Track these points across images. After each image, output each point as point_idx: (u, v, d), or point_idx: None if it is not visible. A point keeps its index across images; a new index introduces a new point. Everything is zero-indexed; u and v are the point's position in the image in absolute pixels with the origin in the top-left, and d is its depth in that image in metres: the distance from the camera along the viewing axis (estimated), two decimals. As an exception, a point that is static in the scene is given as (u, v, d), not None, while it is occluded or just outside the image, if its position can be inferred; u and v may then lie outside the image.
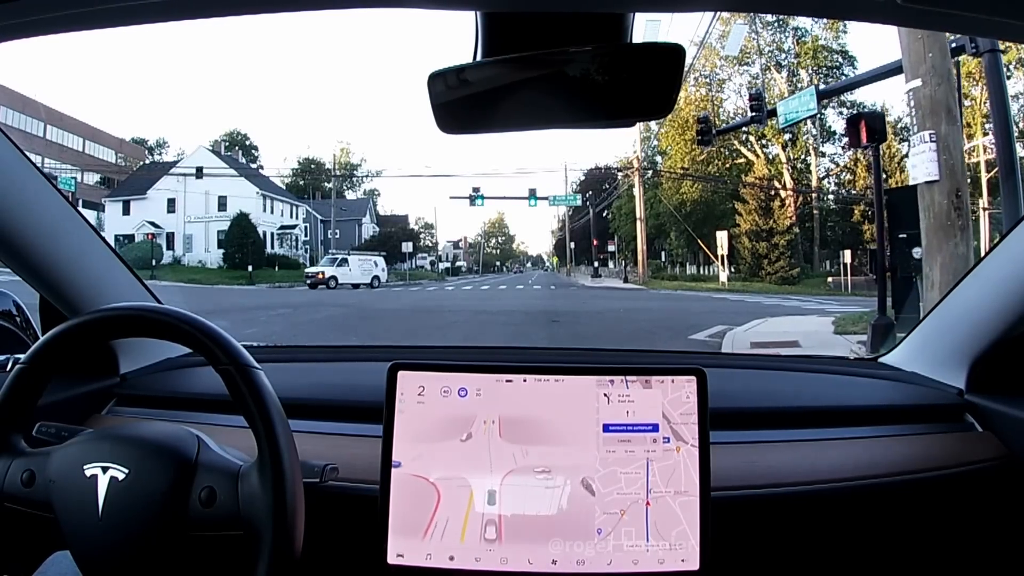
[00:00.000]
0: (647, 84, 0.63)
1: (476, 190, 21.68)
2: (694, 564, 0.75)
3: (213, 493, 0.64)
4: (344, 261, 19.56)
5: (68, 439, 0.71)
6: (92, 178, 26.73)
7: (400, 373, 0.80)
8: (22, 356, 0.71)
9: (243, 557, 0.63)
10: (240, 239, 22.36)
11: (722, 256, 19.24)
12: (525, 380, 0.80)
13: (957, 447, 0.93)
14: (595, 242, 25.36)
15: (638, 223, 21.22)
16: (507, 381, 0.80)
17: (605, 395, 0.79)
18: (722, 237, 18.96)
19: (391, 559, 0.76)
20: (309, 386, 1.07)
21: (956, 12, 0.49)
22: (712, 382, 0.79)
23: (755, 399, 1.03)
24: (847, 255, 17.85)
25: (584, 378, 0.80)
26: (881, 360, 1.17)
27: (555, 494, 0.77)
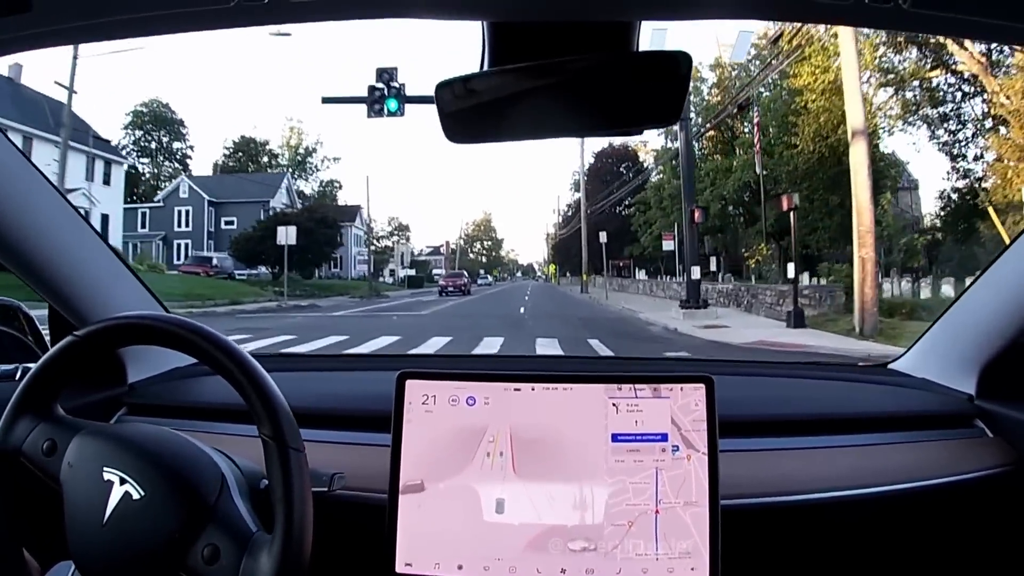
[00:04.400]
0: (654, 92, 0.64)
1: (387, 76, 9.40)
2: (704, 574, 0.75)
3: (217, 552, 0.61)
4: None
5: None
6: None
7: (408, 382, 0.80)
8: (32, 365, 0.71)
9: None
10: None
11: None
12: (533, 389, 0.80)
13: (968, 453, 0.92)
14: (696, 216, 12.20)
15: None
16: (515, 390, 0.80)
17: (614, 404, 0.79)
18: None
19: (399, 568, 0.76)
20: (317, 395, 1.08)
21: (963, 16, 0.49)
22: (721, 390, 0.79)
23: (764, 406, 1.03)
24: None
25: (592, 386, 0.79)
26: (890, 366, 1.17)
27: (564, 503, 0.76)
